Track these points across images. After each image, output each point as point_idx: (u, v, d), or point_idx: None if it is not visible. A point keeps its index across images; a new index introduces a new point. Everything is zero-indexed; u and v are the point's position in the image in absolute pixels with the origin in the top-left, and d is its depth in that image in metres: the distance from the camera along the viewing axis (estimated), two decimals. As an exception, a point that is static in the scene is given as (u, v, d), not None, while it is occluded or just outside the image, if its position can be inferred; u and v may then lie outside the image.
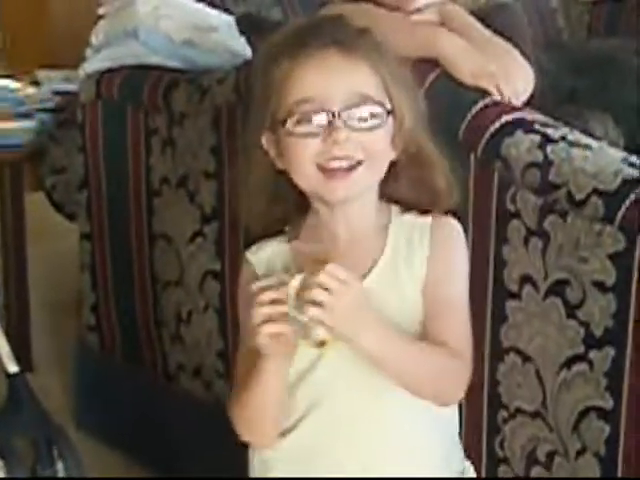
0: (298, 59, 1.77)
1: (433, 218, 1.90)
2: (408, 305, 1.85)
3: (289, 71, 1.78)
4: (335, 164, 1.76)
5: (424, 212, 1.90)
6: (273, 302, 1.66)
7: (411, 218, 1.89)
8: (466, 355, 1.88)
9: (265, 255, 1.87)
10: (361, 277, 1.81)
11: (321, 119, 1.75)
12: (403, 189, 1.88)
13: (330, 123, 1.75)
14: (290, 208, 1.89)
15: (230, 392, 1.88)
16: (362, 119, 1.77)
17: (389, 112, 1.80)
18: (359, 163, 1.77)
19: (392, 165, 1.85)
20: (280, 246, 1.88)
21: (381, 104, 1.78)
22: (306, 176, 1.79)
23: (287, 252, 1.87)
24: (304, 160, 1.77)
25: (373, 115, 1.78)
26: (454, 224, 1.93)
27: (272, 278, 1.71)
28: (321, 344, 1.68)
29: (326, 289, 1.63)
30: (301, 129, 1.76)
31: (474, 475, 2.04)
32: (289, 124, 1.77)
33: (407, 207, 1.90)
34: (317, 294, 1.63)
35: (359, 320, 1.69)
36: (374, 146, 1.79)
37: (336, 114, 1.74)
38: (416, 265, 1.86)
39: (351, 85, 1.77)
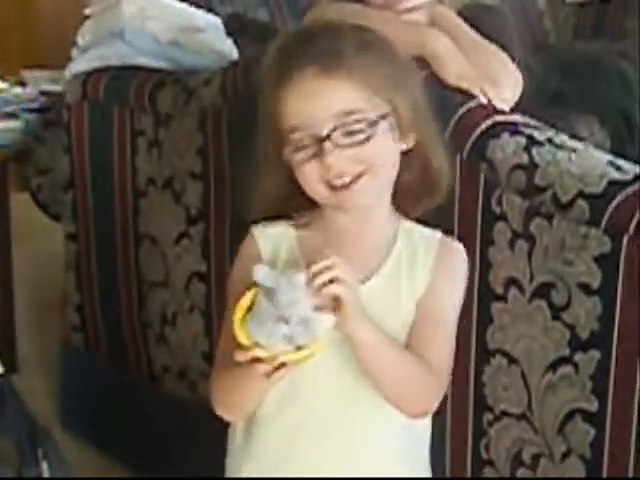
0: (281, 87, 1.79)
1: (442, 236, 1.92)
2: (402, 313, 1.86)
3: (276, 101, 1.80)
4: (338, 181, 1.78)
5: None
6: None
7: (420, 230, 1.91)
8: (442, 374, 1.90)
9: (272, 233, 1.88)
10: (364, 279, 1.84)
11: (312, 145, 1.77)
12: (403, 175, 1.89)
13: (320, 148, 1.75)
14: (300, 206, 1.90)
15: (213, 377, 1.87)
16: (352, 134, 1.77)
17: (383, 116, 1.80)
18: (360, 175, 1.78)
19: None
20: (287, 230, 1.88)
21: (368, 116, 1.78)
22: (317, 193, 1.82)
23: (293, 237, 1.88)
24: (311, 182, 1.80)
25: (362, 128, 1.78)
26: (462, 251, 1.95)
27: (274, 274, 1.70)
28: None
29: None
30: (298, 157, 1.78)
31: None
32: (286, 153, 1.79)
33: (403, 193, 1.91)
34: (337, 272, 1.66)
35: (359, 311, 1.71)
36: (372, 155, 1.80)
37: (322, 138, 1.75)
38: (417, 278, 1.88)
39: (335, 105, 1.77)
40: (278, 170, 1.86)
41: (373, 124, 1.79)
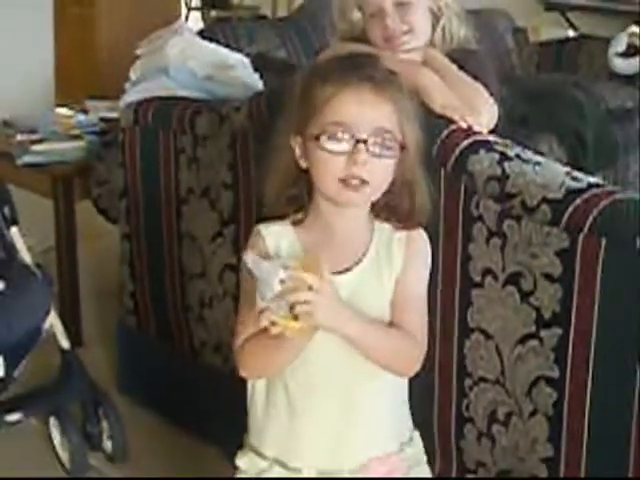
0: (339, 87, 1.76)
1: (410, 229, 1.90)
2: (385, 292, 1.86)
3: (331, 95, 1.76)
4: (353, 181, 1.75)
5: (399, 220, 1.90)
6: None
7: (391, 226, 1.89)
8: (422, 339, 1.89)
9: (274, 230, 1.86)
10: (353, 265, 1.84)
11: (349, 142, 1.74)
12: (390, 200, 1.87)
13: (355, 147, 1.74)
14: (299, 197, 1.87)
15: (237, 346, 1.85)
16: (381, 148, 1.76)
17: (402, 147, 1.79)
18: (366, 182, 1.76)
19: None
20: (285, 227, 1.86)
21: (396, 139, 1.78)
22: (328, 184, 1.79)
23: (292, 233, 1.86)
24: (329, 173, 1.77)
25: (389, 147, 1.77)
26: (425, 238, 1.93)
27: (276, 263, 1.70)
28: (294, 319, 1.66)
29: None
30: (331, 146, 1.75)
31: (421, 443, 2.01)
32: (322, 139, 1.76)
33: (388, 214, 1.89)
34: (303, 295, 1.65)
35: (341, 313, 1.72)
36: (381, 172, 1.79)
37: (361, 141, 1.74)
38: (395, 263, 1.87)
39: (377, 119, 1.76)
40: (287, 159, 1.84)
41: (396, 149, 1.78)
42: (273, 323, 1.66)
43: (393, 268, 1.86)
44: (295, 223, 1.87)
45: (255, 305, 1.73)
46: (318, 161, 1.78)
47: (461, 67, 2.62)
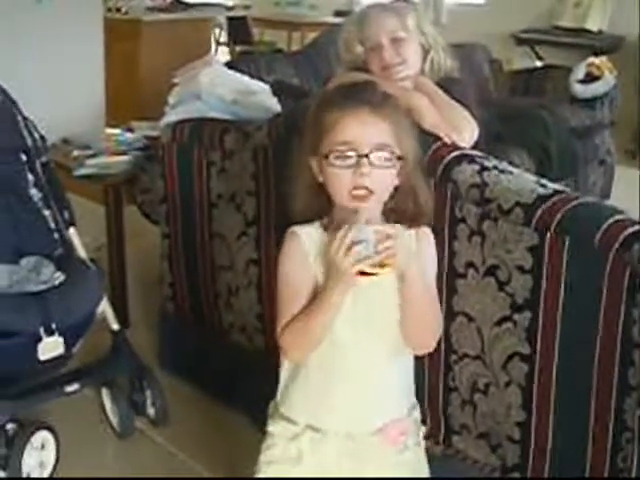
0: (343, 111, 1.75)
1: (418, 227, 1.87)
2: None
3: (336, 119, 1.75)
4: (360, 192, 1.73)
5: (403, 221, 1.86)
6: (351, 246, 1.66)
7: (401, 227, 1.86)
8: (439, 317, 1.90)
9: (307, 231, 1.83)
10: None
11: (354, 158, 1.73)
12: (397, 204, 1.84)
13: (358, 161, 1.73)
14: (322, 206, 1.84)
15: (280, 331, 1.82)
16: (381, 160, 1.74)
17: (399, 157, 1.77)
18: (372, 192, 1.74)
19: (395, 188, 1.82)
20: (317, 230, 1.83)
21: (394, 152, 1.76)
22: (340, 195, 1.77)
23: (322, 234, 1.82)
24: (339, 185, 1.75)
25: (388, 159, 1.75)
26: (430, 233, 1.90)
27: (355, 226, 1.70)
28: (381, 267, 1.67)
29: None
30: (339, 162, 1.74)
31: (419, 411, 2.00)
32: (331, 158, 1.74)
33: (396, 217, 1.85)
34: (389, 243, 1.67)
35: (411, 265, 1.74)
36: (384, 181, 1.76)
37: (364, 155, 1.72)
38: (409, 258, 1.82)
39: (377, 136, 1.74)
40: (307, 176, 1.82)
41: (396, 159, 1.76)
42: (365, 273, 1.67)
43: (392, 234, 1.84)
44: (324, 226, 1.84)
45: (295, 300, 1.78)
46: (330, 176, 1.77)
47: (446, 92, 2.62)
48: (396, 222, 1.83)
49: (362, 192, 1.74)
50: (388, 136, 1.76)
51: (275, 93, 3.10)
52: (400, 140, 1.77)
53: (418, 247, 1.85)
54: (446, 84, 2.67)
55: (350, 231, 1.67)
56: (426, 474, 1.99)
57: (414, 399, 1.98)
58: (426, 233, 1.89)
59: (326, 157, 1.75)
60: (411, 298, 1.78)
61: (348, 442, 1.86)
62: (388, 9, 2.82)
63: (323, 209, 1.84)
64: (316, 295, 1.77)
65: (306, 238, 1.82)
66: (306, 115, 1.87)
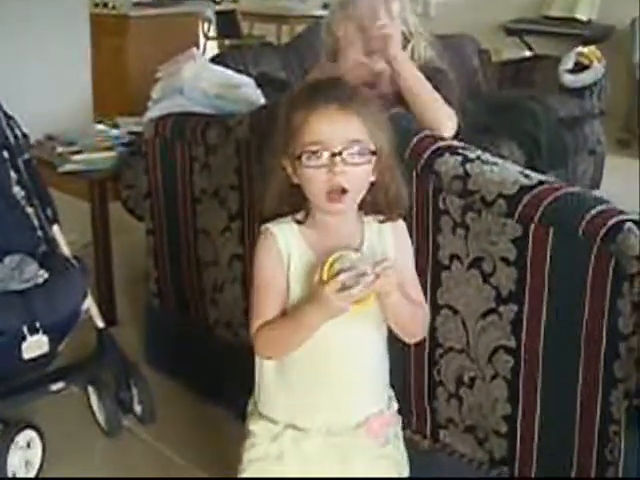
0: (311, 110, 1.72)
1: (393, 219, 1.86)
2: None
3: (304, 119, 1.72)
4: (336, 194, 1.71)
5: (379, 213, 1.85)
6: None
7: (377, 220, 1.85)
8: (425, 306, 1.90)
9: (282, 228, 1.81)
10: None
11: (326, 157, 1.71)
12: (372, 197, 1.82)
13: (332, 160, 1.70)
14: (296, 205, 1.82)
15: (255, 332, 1.81)
16: (353, 156, 1.71)
17: (373, 152, 1.74)
18: (346, 191, 1.72)
19: (371, 183, 1.79)
20: (291, 226, 1.81)
21: (367, 147, 1.73)
22: (315, 197, 1.75)
23: (297, 230, 1.80)
24: (314, 186, 1.73)
25: (361, 154, 1.73)
26: (403, 224, 1.89)
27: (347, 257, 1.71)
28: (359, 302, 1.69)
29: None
30: (312, 163, 1.72)
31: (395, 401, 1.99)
32: (304, 159, 1.72)
33: (373, 209, 1.84)
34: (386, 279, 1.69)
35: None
36: (359, 177, 1.74)
37: (336, 154, 1.70)
38: (388, 252, 1.83)
39: (348, 133, 1.71)
40: (281, 178, 1.80)
41: (370, 154, 1.74)
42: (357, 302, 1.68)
43: (387, 253, 1.83)
44: (297, 222, 1.82)
45: (269, 297, 1.79)
46: (304, 177, 1.74)
47: (428, 80, 2.60)
48: (371, 214, 1.83)
49: (337, 193, 1.72)
50: (360, 131, 1.73)
51: (259, 86, 3.08)
52: (373, 134, 1.75)
53: (396, 241, 1.85)
54: (429, 73, 2.65)
55: (337, 262, 1.68)
56: (406, 465, 1.99)
57: (390, 390, 1.97)
58: (402, 227, 1.88)
59: (298, 158, 1.73)
60: (395, 312, 1.79)
61: (330, 438, 1.86)
62: None
63: (298, 206, 1.82)
64: (288, 288, 1.78)
65: (282, 237, 1.80)
66: (275, 116, 1.85)
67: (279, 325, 1.78)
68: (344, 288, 1.66)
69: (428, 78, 2.61)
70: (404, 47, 2.71)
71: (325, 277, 1.68)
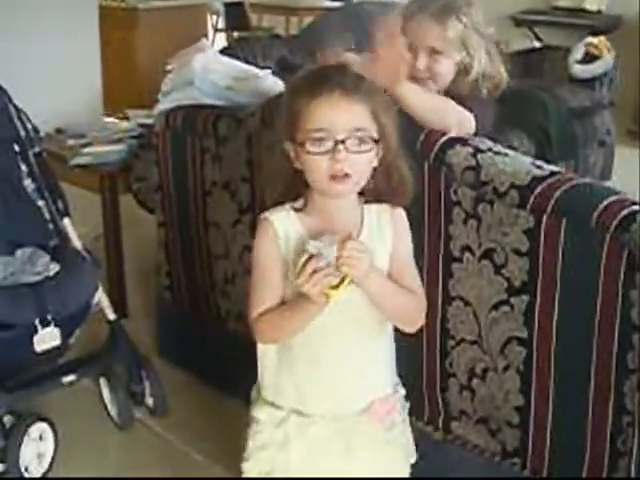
0: (314, 97, 1.72)
1: (392, 208, 1.86)
2: (382, 266, 1.82)
3: (308, 105, 1.72)
4: (339, 173, 1.71)
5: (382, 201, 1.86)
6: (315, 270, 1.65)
7: (377, 207, 1.85)
8: (422, 295, 1.88)
9: (281, 216, 1.81)
10: None
11: (329, 144, 1.70)
12: (374, 184, 1.82)
13: (335, 147, 1.70)
14: (298, 190, 1.83)
15: (255, 318, 1.84)
16: (358, 145, 1.72)
17: (376, 140, 1.74)
18: (350, 176, 1.72)
19: (374, 169, 1.80)
20: (289, 213, 1.81)
21: (370, 135, 1.73)
22: (318, 181, 1.75)
23: (295, 219, 1.81)
24: (317, 171, 1.73)
25: (364, 142, 1.73)
26: (403, 212, 1.88)
27: (314, 245, 1.68)
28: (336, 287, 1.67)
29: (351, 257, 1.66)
30: (315, 149, 1.71)
31: (402, 388, 1.99)
32: (307, 145, 1.72)
33: (375, 196, 1.84)
34: (350, 260, 1.66)
35: (369, 273, 1.70)
36: (361, 164, 1.74)
37: (339, 141, 1.70)
38: (386, 240, 1.84)
39: (351, 120, 1.71)
40: (283, 162, 1.80)
41: (373, 142, 1.74)
42: (326, 295, 1.67)
43: (385, 244, 1.83)
44: (296, 210, 1.83)
45: (268, 285, 1.80)
46: (307, 163, 1.75)
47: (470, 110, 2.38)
48: (372, 202, 1.83)
49: (341, 175, 1.72)
50: (364, 119, 1.73)
51: (279, 73, 3.07)
52: (378, 121, 1.75)
53: (395, 230, 1.85)
54: (468, 103, 2.41)
55: (309, 254, 1.67)
56: (413, 451, 1.99)
57: (397, 377, 1.97)
58: (401, 215, 1.88)
59: (302, 144, 1.73)
60: (379, 301, 1.78)
61: (335, 423, 1.87)
62: (434, 14, 2.53)
63: (299, 193, 1.83)
64: (287, 275, 1.78)
65: (279, 224, 1.81)
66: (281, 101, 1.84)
67: (280, 312, 1.79)
68: (320, 280, 1.66)
69: (470, 109, 2.38)
70: (461, 75, 2.55)
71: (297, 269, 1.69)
